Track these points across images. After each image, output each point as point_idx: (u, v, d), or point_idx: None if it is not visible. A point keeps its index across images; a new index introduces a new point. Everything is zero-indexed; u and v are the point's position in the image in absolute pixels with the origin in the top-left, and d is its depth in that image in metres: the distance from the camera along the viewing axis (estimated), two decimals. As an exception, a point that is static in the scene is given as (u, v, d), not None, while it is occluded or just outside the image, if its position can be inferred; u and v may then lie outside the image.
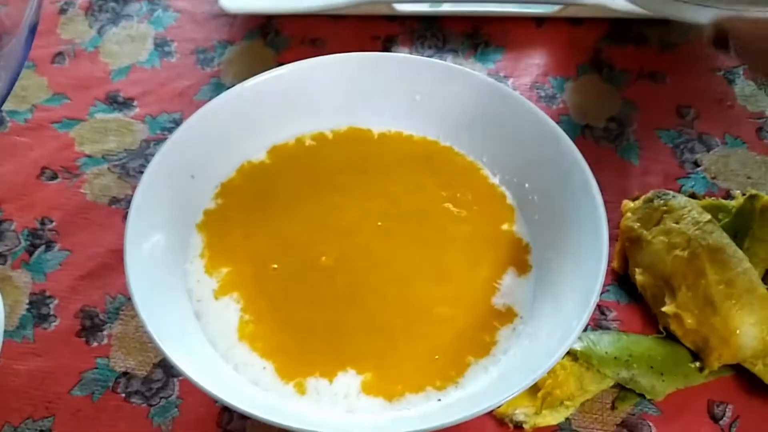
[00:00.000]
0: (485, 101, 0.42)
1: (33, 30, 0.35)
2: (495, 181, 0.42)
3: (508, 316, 0.37)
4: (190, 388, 0.39)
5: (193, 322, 0.36)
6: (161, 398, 0.39)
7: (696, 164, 0.49)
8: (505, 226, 0.40)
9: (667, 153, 0.50)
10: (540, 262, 0.39)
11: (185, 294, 0.37)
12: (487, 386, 0.34)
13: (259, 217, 0.40)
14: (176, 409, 0.39)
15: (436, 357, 0.36)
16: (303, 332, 0.36)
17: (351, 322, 0.37)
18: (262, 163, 0.42)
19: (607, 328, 0.42)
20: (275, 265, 0.38)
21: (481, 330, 0.37)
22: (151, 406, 0.39)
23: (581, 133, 0.51)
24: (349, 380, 0.35)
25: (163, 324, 0.33)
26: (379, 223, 0.40)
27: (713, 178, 0.48)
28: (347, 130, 0.43)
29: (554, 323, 0.35)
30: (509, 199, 0.41)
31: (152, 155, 0.49)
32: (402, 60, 0.44)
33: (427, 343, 0.36)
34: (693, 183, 0.48)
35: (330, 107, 0.43)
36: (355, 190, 0.41)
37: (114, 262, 0.44)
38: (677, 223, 0.40)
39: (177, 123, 0.51)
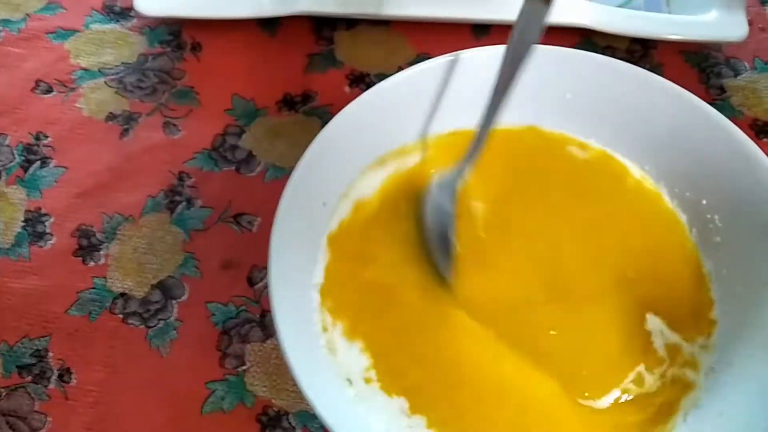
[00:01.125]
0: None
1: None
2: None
3: (678, 390, 0.32)
4: (189, 310, 0.39)
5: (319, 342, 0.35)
6: (159, 320, 0.38)
7: (722, 90, 0.46)
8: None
9: (694, 77, 0.47)
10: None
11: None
12: None
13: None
14: (174, 332, 0.38)
15: None
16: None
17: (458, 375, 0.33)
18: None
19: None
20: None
21: None
22: (149, 327, 0.38)
23: (601, 54, 0.48)
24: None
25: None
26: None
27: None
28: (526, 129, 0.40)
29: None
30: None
31: (150, 70, 0.47)
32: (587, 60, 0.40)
33: None
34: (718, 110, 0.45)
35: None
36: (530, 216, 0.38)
37: (110, 180, 0.43)
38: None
39: (175, 36, 0.48)
